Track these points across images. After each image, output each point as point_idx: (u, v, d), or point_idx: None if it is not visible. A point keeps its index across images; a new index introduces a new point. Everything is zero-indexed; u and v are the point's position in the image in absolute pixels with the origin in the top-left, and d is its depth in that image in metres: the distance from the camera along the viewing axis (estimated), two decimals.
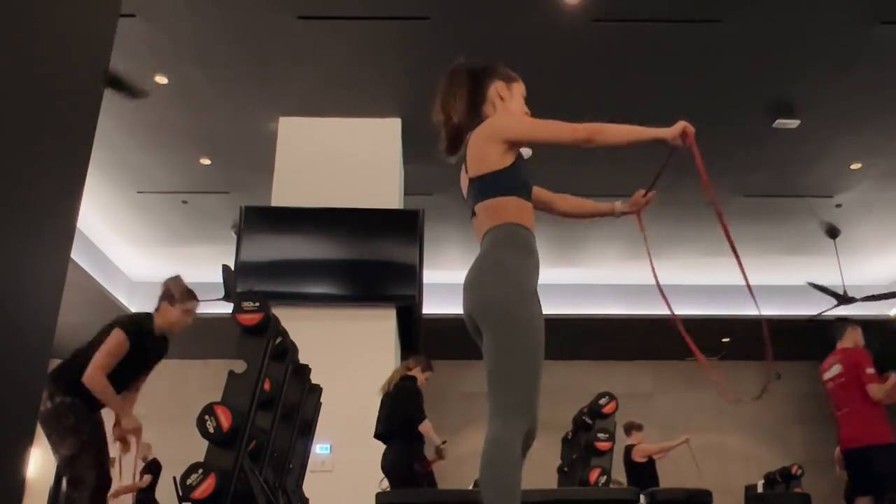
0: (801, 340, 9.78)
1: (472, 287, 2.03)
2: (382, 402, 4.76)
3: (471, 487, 5.20)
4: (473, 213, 2.16)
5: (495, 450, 1.84)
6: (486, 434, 1.89)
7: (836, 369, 4.75)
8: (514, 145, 2.10)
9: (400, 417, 4.63)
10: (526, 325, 1.93)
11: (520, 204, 2.08)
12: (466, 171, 2.15)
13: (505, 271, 1.98)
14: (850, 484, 4.66)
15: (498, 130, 2.11)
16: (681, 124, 2.15)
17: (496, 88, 2.26)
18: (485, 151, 2.10)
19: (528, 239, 2.06)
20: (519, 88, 2.31)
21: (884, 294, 7.92)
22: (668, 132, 2.15)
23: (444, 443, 4.72)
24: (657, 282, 2.50)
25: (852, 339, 4.86)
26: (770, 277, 9.28)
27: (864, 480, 4.47)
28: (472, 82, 2.27)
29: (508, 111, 2.25)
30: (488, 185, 2.09)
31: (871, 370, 4.56)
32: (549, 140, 2.18)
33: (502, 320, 1.93)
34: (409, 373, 4.90)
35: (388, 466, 4.59)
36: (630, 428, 7.29)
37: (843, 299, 8.09)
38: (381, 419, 4.70)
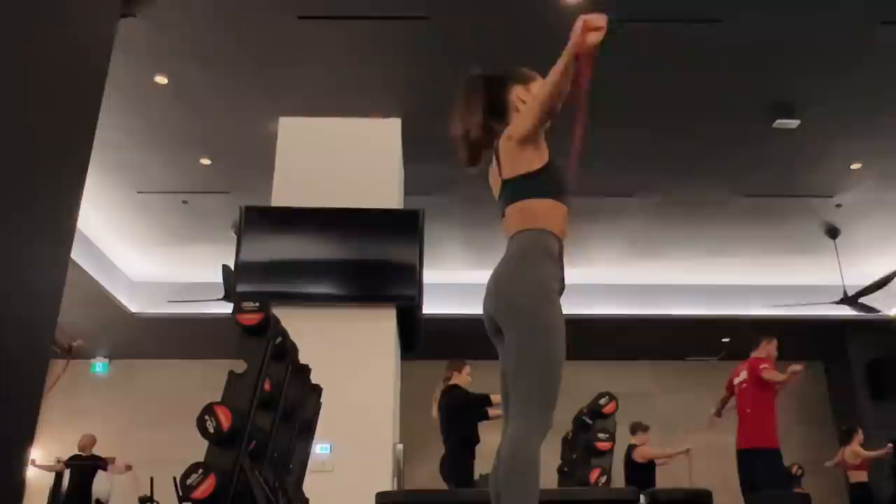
0: (800, 340, 9.79)
1: (497, 289, 2.05)
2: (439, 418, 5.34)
3: (476, 478, 5.27)
4: (502, 214, 2.16)
5: (519, 450, 1.89)
6: (509, 432, 1.93)
7: (743, 375, 5.21)
8: (530, 142, 2.10)
9: (450, 429, 5.15)
10: (549, 329, 1.96)
11: (553, 206, 2.10)
12: (500, 174, 2.16)
13: (528, 276, 2.00)
14: (740, 482, 5.04)
15: (510, 134, 2.13)
16: (577, 22, 1.89)
17: (516, 94, 2.27)
18: (513, 154, 2.11)
19: (554, 245, 2.07)
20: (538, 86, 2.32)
21: (881, 280, 7.83)
22: (571, 42, 1.90)
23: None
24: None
25: (765, 352, 5.27)
26: (770, 277, 9.29)
27: (749, 479, 4.91)
28: (490, 92, 2.27)
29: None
30: (521, 187, 2.11)
31: (764, 365, 5.03)
32: (534, 122, 2.06)
33: (526, 324, 1.96)
34: (450, 382, 5.32)
35: (444, 471, 5.15)
36: (636, 428, 7.31)
37: (844, 299, 8.09)
38: (442, 433, 5.24)
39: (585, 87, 1.98)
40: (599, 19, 1.87)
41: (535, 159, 2.11)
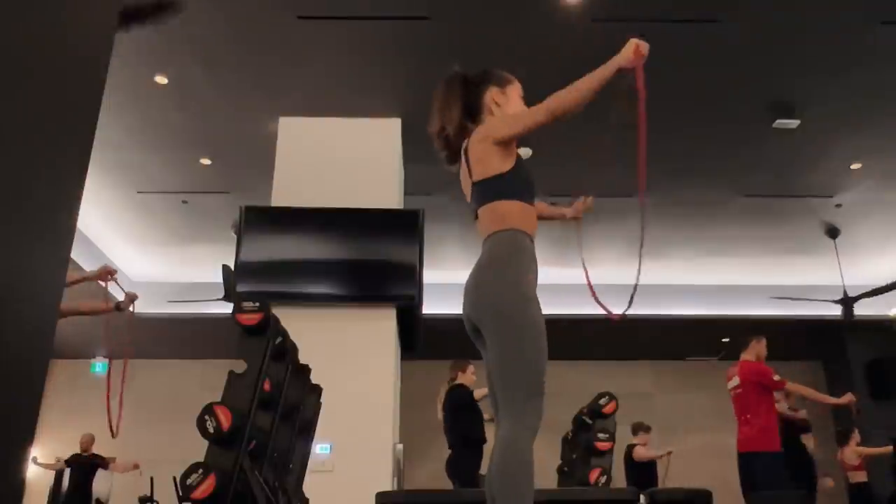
0: (800, 340, 9.80)
1: (473, 291, 2.06)
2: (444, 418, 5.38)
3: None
4: (476, 216, 2.17)
5: (509, 451, 1.88)
6: (497, 434, 1.93)
7: (735, 381, 5.15)
8: (505, 145, 2.11)
9: (455, 429, 5.19)
10: (527, 328, 1.96)
11: (522, 207, 2.11)
12: (470, 175, 2.17)
13: (505, 277, 2.01)
14: (741, 483, 4.99)
15: (486, 134, 2.14)
16: (631, 42, 2.12)
17: (491, 95, 2.27)
18: (484, 156, 2.12)
19: (528, 244, 2.09)
20: (515, 90, 2.32)
21: (883, 287, 7.88)
22: (621, 58, 2.11)
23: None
24: (589, 283, 2.48)
25: (754, 352, 5.20)
26: (770, 277, 9.29)
27: (750, 482, 4.86)
28: (466, 92, 2.29)
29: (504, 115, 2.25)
30: (490, 189, 2.11)
31: (777, 377, 4.96)
32: (528, 127, 2.09)
33: (503, 324, 1.97)
34: (455, 382, 5.34)
35: (450, 470, 5.19)
36: (638, 429, 7.33)
37: (844, 300, 8.09)
38: (445, 432, 5.28)
39: (642, 102, 2.18)
40: (645, 47, 2.11)
41: (505, 161, 2.12)
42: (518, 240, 2.06)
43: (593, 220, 7.79)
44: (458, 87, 2.28)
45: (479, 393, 5.24)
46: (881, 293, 7.94)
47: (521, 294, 1.98)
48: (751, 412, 4.96)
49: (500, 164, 2.11)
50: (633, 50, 2.10)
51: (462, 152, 2.21)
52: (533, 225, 2.13)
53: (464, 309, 2.10)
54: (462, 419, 5.18)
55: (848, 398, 5.12)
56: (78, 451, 8.09)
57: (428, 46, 5.25)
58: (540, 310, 2.01)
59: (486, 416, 5.21)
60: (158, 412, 10.27)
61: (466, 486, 4.87)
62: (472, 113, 2.27)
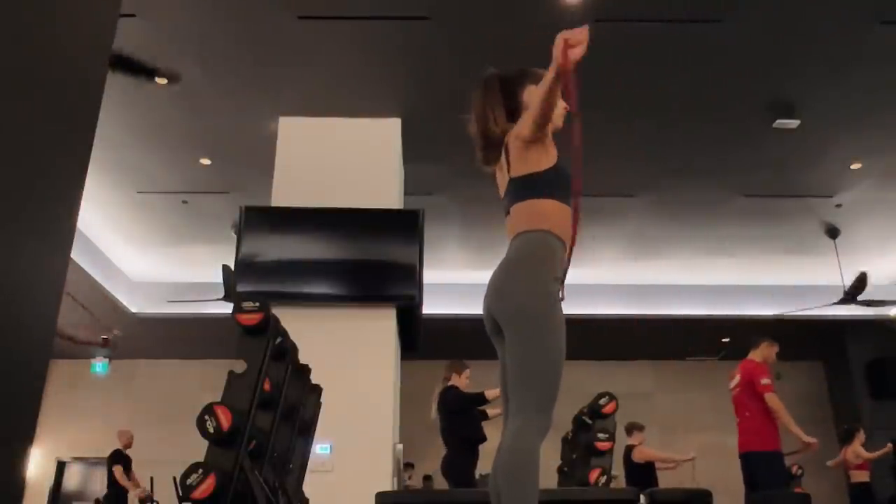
0: (800, 340, 9.79)
1: (498, 289, 2.06)
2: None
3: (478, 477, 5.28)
4: (507, 212, 2.17)
5: (519, 449, 1.89)
6: (508, 429, 1.94)
7: (735, 380, 5.12)
8: (539, 143, 2.11)
9: (450, 429, 5.12)
10: (549, 330, 1.97)
11: (557, 207, 2.11)
12: (508, 171, 2.17)
13: (533, 278, 2.01)
14: (744, 482, 4.95)
15: (515, 134, 2.13)
16: (557, 40, 1.84)
17: (528, 93, 2.27)
18: (520, 154, 2.12)
19: (558, 247, 2.08)
20: None
21: (881, 301, 7.94)
22: (554, 62, 1.86)
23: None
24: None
25: (762, 354, 5.13)
26: (770, 277, 9.29)
27: (751, 483, 4.83)
28: (505, 92, 2.28)
29: None
30: (527, 186, 2.11)
31: (766, 381, 4.86)
32: (532, 130, 2.05)
33: (527, 323, 1.97)
34: (448, 383, 5.27)
35: (444, 469, 5.12)
36: (632, 428, 7.29)
37: (844, 299, 8.09)
38: (440, 433, 5.23)
39: (574, 103, 2.00)
40: (580, 33, 1.85)
41: (542, 160, 2.12)
42: (549, 242, 2.06)
43: (593, 219, 7.79)
44: (497, 87, 2.28)
45: (492, 394, 5.19)
46: (879, 306, 7.96)
47: (548, 298, 1.99)
48: (749, 411, 4.95)
49: (538, 162, 2.11)
50: (560, 50, 1.84)
51: (503, 148, 2.20)
52: (566, 227, 2.11)
53: (486, 305, 2.09)
54: (455, 421, 5.15)
55: (811, 443, 4.89)
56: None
57: (428, 46, 5.25)
58: (562, 313, 2.01)
59: (492, 414, 5.18)
60: (158, 412, 10.27)
61: (461, 486, 4.87)
62: (512, 112, 2.27)
